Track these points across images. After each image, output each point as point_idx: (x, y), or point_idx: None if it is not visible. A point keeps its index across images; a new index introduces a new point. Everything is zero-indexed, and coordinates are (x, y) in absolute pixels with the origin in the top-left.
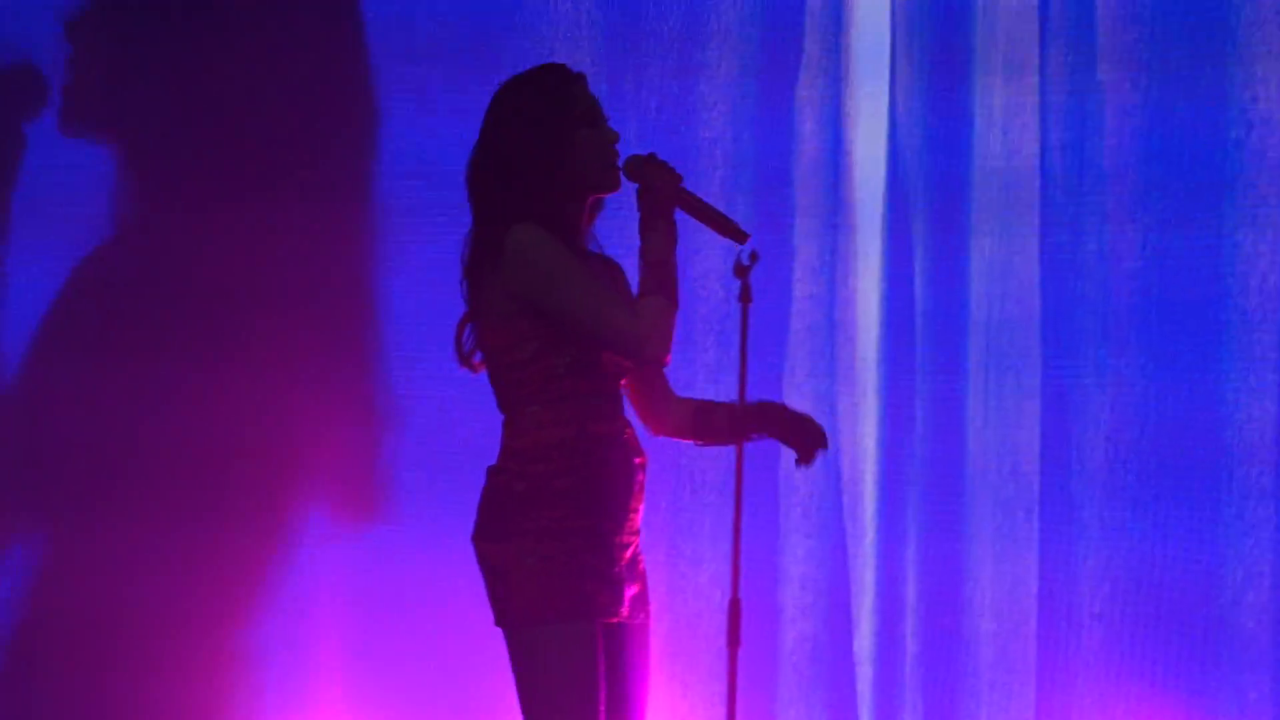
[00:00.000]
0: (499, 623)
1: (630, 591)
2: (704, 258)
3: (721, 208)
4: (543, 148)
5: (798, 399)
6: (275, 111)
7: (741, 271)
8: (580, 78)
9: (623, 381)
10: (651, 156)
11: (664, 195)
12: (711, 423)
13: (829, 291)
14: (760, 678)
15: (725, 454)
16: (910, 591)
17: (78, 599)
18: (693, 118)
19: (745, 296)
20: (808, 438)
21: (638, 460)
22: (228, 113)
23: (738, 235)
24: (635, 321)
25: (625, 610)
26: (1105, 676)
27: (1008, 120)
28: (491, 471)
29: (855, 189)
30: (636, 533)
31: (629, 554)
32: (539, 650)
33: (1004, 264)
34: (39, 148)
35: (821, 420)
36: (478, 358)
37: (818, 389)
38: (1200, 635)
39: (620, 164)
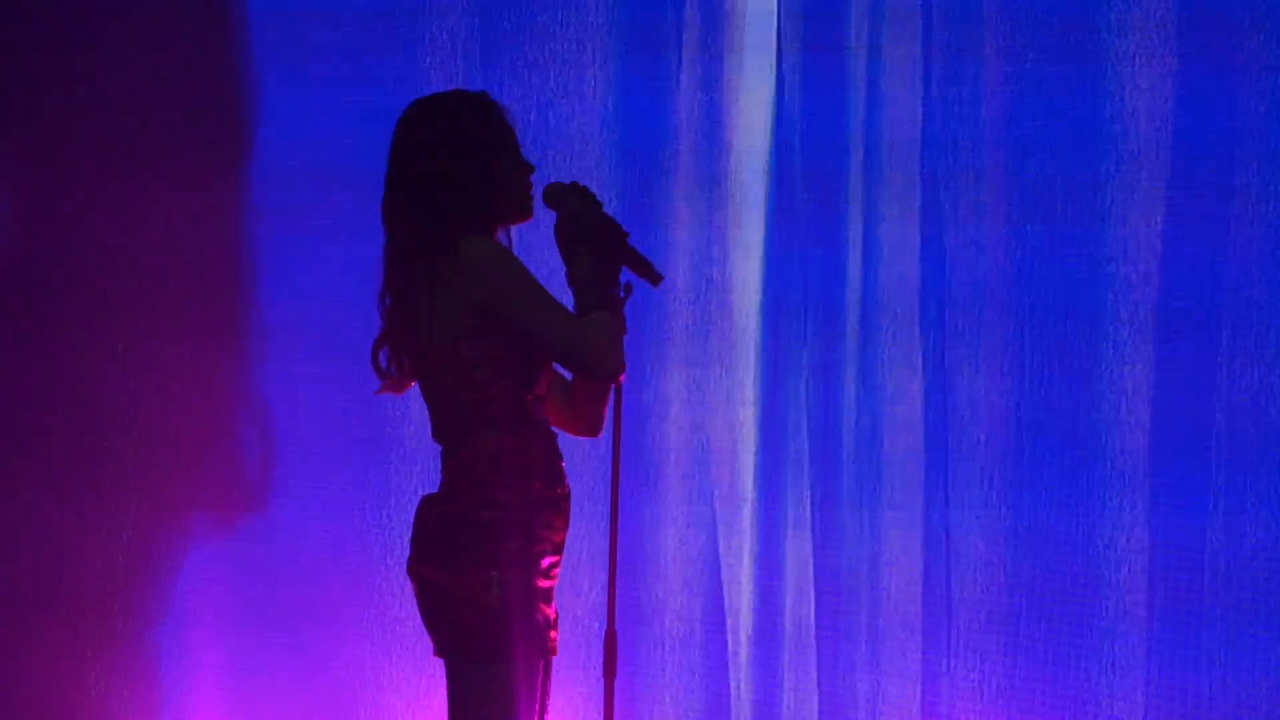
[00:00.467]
0: (444, 653)
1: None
2: None
3: (642, 250)
4: (477, 169)
5: (677, 382)
6: (152, 98)
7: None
8: (506, 109)
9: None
10: (575, 185)
11: (586, 224)
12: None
13: (708, 273)
14: (639, 708)
15: (603, 484)
16: (788, 621)
17: None
18: (573, 106)
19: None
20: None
21: (568, 488)
22: (104, 98)
23: (652, 277)
24: (595, 337)
25: (554, 646)
26: (987, 666)
27: (891, 103)
28: (440, 498)
29: (737, 171)
30: (560, 563)
31: (554, 584)
32: (495, 685)
33: (886, 246)
34: None
35: (699, 411)
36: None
37: (694, 373)
38: (1074, 608)
39: (541, 191)
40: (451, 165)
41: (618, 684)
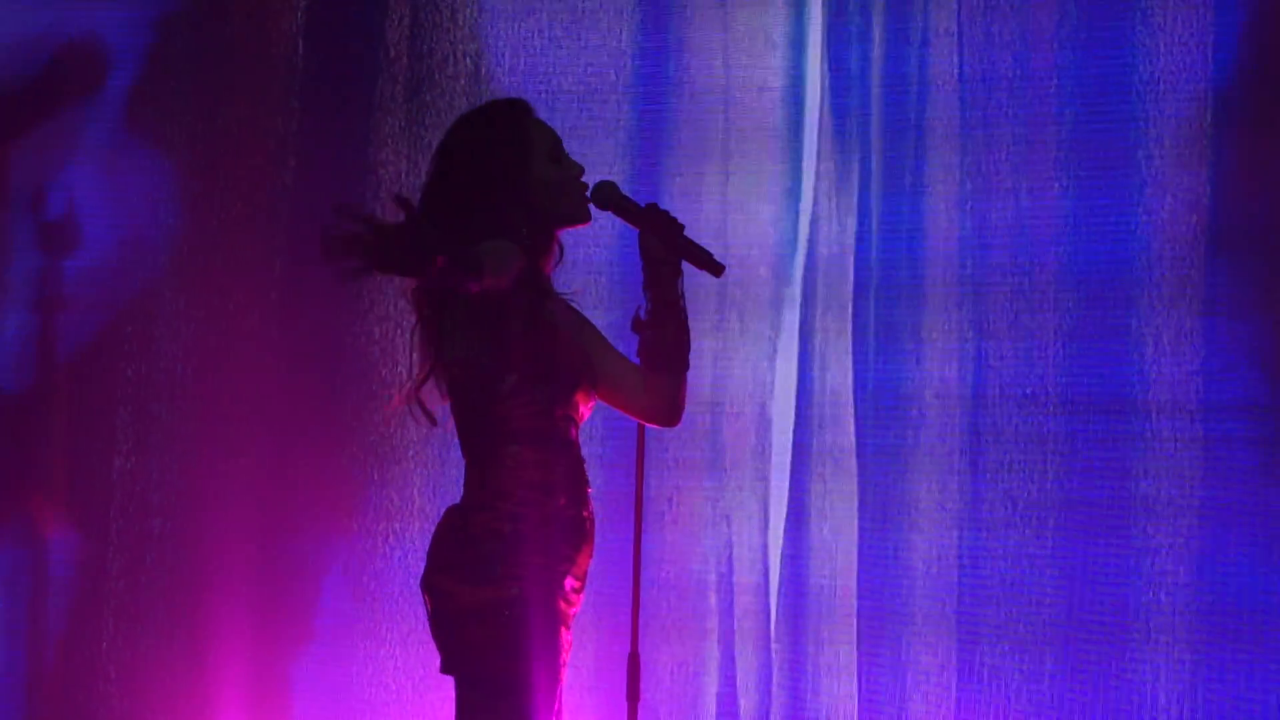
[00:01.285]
0: (452, 670)
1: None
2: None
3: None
4: (508, 190)
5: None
6: None
7: (640, 327)
8: (537, 116)
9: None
10: (652, 206)
11: (671, 250)
12: (650, 348)
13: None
14: None
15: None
16: (809, 644)
17: None
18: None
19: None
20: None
21: (594, 512)
22: None
23: (713, 268)
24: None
25: (567, 672)
26: (1015, 690)
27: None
28: (462, 510)
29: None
30: (584, 590)
31: (576, 610)
32: (506, 709)
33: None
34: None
35: (722, 432)
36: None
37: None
38: (1106, 634)
39: (589, 193)
40: (486, 186)
41: (640, 707)
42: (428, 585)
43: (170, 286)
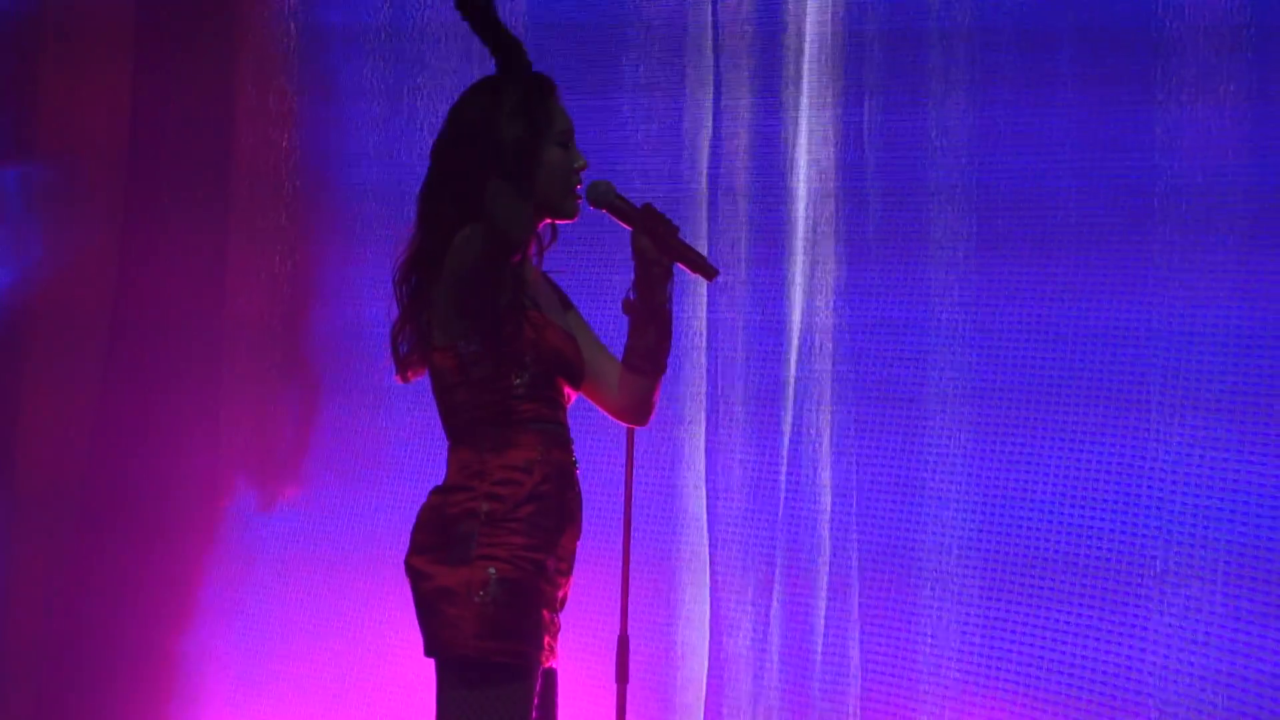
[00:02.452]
0: (434, 653)
1: (558, 634)
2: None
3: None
4: (519, 156)
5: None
6: None
7: (631, 308)
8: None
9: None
10: (648, 207)
11: (664, 252)
12: (634, 340)
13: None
14: (651, 714)
15: (616, 487)
16: (795, 629)
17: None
18: None
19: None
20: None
21: (580, 493)
22: None
23: (707, 271)
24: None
25: (554, 655)
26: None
27: None
28: (442, 491)
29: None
30: (572, 572)
31: (563, 593)
32: (488, 691)
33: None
34: None
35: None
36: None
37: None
38: (1113, 589)
39: (583, 188)
40: (498, 145)
41: (629, 689)
42: (408, 567)
43: (168, 268)
